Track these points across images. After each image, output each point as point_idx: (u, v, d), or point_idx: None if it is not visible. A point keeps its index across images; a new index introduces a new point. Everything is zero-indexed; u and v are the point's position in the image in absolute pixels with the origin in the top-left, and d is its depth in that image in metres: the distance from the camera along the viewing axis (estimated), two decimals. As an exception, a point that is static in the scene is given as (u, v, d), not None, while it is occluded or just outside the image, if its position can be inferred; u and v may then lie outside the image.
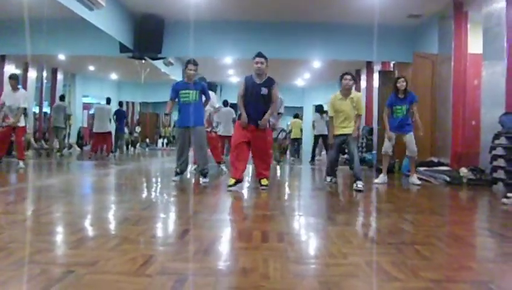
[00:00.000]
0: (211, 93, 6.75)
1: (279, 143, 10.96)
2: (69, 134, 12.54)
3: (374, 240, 2.68)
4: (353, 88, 5.58)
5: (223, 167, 6.94)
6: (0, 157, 6.96)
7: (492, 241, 2.93)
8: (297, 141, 12.31)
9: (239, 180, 4.88)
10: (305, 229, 3.03)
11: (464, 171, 6.31)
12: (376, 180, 6.11)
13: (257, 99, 4.82)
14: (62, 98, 11.41)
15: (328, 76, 15.48)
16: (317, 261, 2.17)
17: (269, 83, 4.86)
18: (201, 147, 5.48)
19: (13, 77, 6.94)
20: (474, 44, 7.45)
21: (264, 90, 4.80)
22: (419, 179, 6.35)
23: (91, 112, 11.36)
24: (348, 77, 5.42)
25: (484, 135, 6.53)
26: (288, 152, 12.78)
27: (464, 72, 7.61)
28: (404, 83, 6.05)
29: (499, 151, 5.80)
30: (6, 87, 6.92)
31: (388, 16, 8.69)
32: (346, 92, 5.43)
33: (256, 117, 4.82)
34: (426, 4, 8.16)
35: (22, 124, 6.96)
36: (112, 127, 10.98)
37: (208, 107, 6.27)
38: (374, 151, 9.75)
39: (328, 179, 5.85)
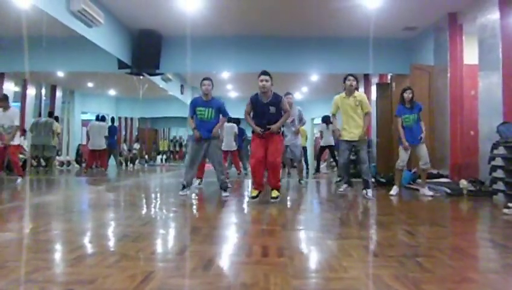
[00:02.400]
0: None
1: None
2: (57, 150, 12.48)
3: (375, 253, 2.66)
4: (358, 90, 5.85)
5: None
6: None
7: (494, 252, 2.91)
8: (303, 149, 12.12)
9: (260, 191, 5.06)
10: (306, 244, 3.01)
11: (463, 183, 6.31)
12: (391, 192, 6.12)
13: (265, 117, 4.93)
14: (50, 114, 11.37)
15: (326, 89, 15.55)
16: (318, 276, 2.15)
17: (276, 100, 4.93)
18: (219, 161, 5.56)
19: (1, 99, 7.08)
20: (470, 55, 7.52)
21: (272, 109, 4.92)
22: (419, 190, 6.34)
23: (88, 128, 11.41)
24: (351, 77, 5.73)
25: (483, 145, 6.55)
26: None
27: (460, 83, 7.66)
28: (411, 95, 6.17)
29: (498, 161, 5.80)
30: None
31: (384, 28, 8.78)
32: (349, 93, 5.73)
33: (266, 125, 4.93)
34: (421, 17, 8.26)
35: (16, 142, 7.10)
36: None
37: None
38: (373, 164, 9.74)
39: (344, 186, 6.19)
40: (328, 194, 6.71)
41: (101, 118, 11.42)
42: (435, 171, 7.58)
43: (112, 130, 11.89)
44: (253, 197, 5.02)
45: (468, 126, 7.49)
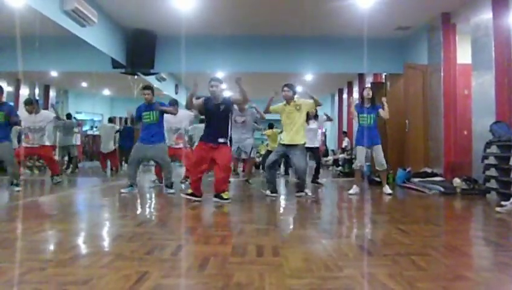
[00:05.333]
0: (184, 111, 7.30)
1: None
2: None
3: (369, 251, 2.67)
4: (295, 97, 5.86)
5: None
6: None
7: (487, 250, 2.93)
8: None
9: (196, 195, 5.09)
10: (300, 243, 3.01)
11: (457, 181, 6.35)
12: (350, 191, 6.15)
13: (218, 117, 5.09)
14: (69, 116, 11.42)
15: (321, 89, 15.58)
16: (313, 275, 2.16)
17: (226, 100, 5.22)
18: (164, 161, 6.03)
19: (28, 103, 7.15)
20: (463, 54, 7.56)
21: (223, 107, 5.09)
22: (413, 189, 6.37)
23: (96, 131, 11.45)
24: (286, 88, 5.77)
25: (476, 144, 6.59)
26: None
27: (453, 82, 7.71)
28: (371, 92, 6.19)
29: (491, 160, 5.84)
30: (22, 111, 7.21)
31: (378, 28, 8.80)
32: (287, 102, 5.79)
33: (216, 137, 5.03)
34: (415, 16, 8.29)
35: (47, 142, 7.21)
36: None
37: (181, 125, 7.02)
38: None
39: (268, 192, 5.73)
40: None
41: (108, 120, 11.47)
42: (429, 170, 7.62)
43: (124, 132, 11.57)
44: (187, 194, 5.09)
45: (461, 125, 7.53)
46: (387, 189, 6.17)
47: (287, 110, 5.74)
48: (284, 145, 5.74)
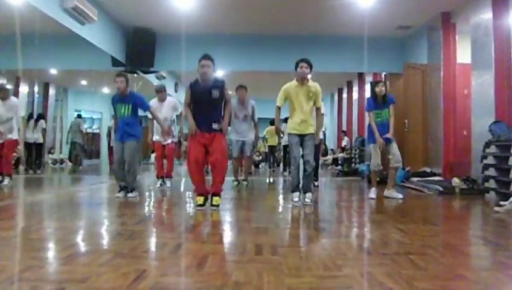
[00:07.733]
0: (170, 98, 6.56)
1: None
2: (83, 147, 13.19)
3: (368, 251, 2.67)
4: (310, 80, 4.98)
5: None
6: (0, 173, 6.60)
7: (486, 249, 2.93)
8: (274, 150, 12.30)
9: (206, 197, 4.41)
10: (299, 242, 3.02)
11: (456, 181, 6.35)
12: (370, 196, 5.56)
13: (208, 104, 4.35)
14: (79, 116, 11.83)
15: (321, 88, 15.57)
16: (312, 274, 2.15)
17: (218, 83, 4.44)
18: (130, 162, 5.13)
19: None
20: (463, 54, 7.57)
21: (215, 93, 4.35)
22: (412, 189, 6.35)
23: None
24: (304, 64, 4.85)
25: (475, 144, 6.59)
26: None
27: (453, 82, 7.71)
28: (384, 88, 5.63)
29: (490, 160, 5.84)
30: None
31: (378, 27, 8.80)
32: (302, 81, 4.94)
33: (208, 123, 4.33)
34: (415, 16, 8.29)
35: (14, 136, 6.66)
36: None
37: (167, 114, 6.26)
38: (367, 163, 9.76)
39: (296, 198, 4.78)
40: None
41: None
42: (428, 170, 7.63)
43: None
44: (199, 206, 4.33)
45: (461, 125, 7.54)
46: (395, 193, 5.59)
47: (297, 91, 4.90)
48: (295, 135, 4.80)
